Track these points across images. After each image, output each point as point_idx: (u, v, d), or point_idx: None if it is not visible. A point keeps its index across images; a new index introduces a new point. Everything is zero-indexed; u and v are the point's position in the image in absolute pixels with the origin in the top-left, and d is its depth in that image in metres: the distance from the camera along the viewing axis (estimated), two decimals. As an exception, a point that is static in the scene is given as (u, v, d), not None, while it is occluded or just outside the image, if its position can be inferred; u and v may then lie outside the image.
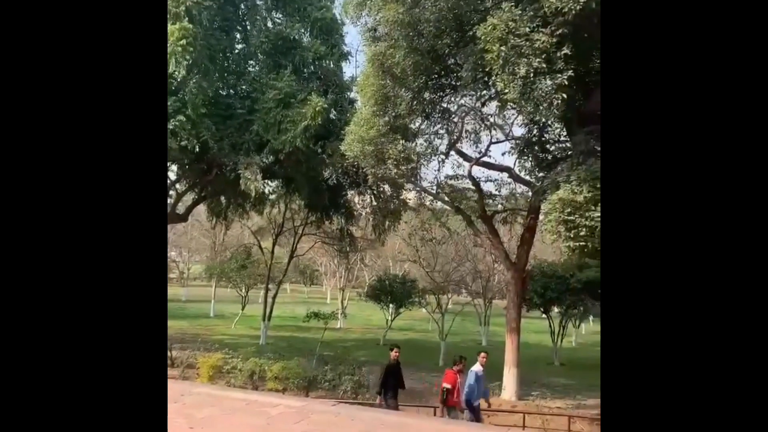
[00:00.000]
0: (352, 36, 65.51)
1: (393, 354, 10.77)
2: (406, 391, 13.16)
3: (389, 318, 27.74)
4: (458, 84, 13.42)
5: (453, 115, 15.25)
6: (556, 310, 23.49)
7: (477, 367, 10.08)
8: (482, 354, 10.39)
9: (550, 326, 23.75)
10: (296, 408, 7.30)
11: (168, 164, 17.93)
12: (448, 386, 9.88)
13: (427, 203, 18.22)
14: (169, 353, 15.01)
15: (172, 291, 54.80)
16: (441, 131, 15.39)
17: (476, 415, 9.96)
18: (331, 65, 16.81)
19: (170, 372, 14.21)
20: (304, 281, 55.22)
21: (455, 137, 15.53)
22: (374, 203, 19.29)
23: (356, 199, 20.61)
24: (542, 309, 22.76)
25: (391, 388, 10.42)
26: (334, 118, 16.24)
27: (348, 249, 25.08)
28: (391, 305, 27.05)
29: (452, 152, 15.84)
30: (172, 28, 12.46)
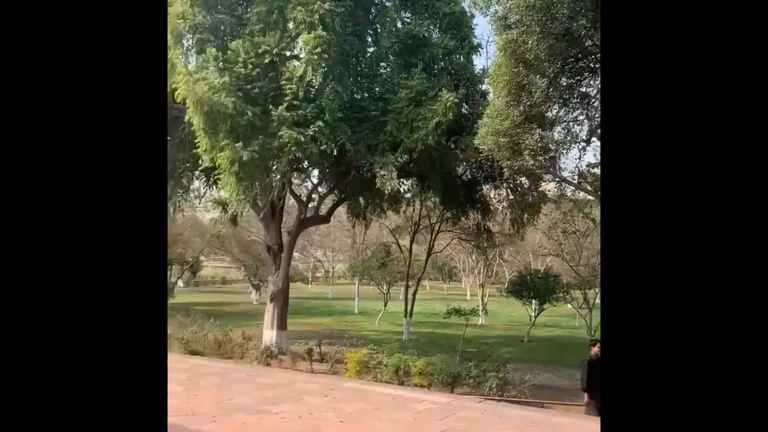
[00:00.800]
0: (482, 27, 64.59)
1: (595, 350, 10.05)
2: (553, 388, 12.67)
3: (532, 314, 26.94)
4: (597, 66, 12.67)
5: (593, 100, 14.40)
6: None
7: None
8: None
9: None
10: (442, 404, 7.29)
11: (309, 169, 18.83)
12: None
13: (569, 194, 17.37)
14: (317, 349, 15.73)
15: (319, 289, 57.72)
16: (580, 117, 14.60)
17: None
18: (461, 59, 16.63)
19: (319, 367, 14.88)
20: (443, 278, 55.45)
21: (596, 123, 14.68)
22: (511, 197, 18.80)
23: (492, 194, 20.21)
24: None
25: (597, 387, 9.78)
26: (466, 112, 16.06)
27: (486, 245, 24.72)
28: (533, 301, 26.27)
29: (594, 139, 14.98)
30: (307, 38, 13.03)
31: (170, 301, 34.18)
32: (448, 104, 13.65)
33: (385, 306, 32.39)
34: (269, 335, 17.63)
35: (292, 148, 13.10)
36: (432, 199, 21.63)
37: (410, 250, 27.36)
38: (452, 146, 15.36)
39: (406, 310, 25.60)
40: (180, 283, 48.43)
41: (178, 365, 9.59)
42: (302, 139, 13.08)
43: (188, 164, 17.95)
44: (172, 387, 7.99)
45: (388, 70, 16.18)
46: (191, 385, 8.07)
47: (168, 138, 17.97)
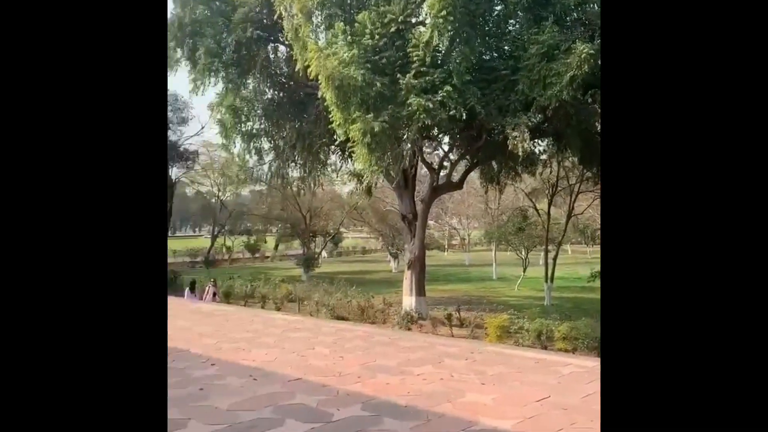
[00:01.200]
0: (618, -29, 59.27)
1: None
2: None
3: (686, 276, 25.02)
4: None
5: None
6: None
7: None
8: None
9: None
10: (588, 368, 7.03)
11: (439, 135, 18.75)
12: None
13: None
14: (457, 314, 15.85)
15: (456, 256, 57.90)
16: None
17: None
18: (595, 8, 15.50)
19: (459, 332, 15.00)
20: (585, 241, 53.01)
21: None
22: (658, 150, 17.42)
23: (637, 149, 18.87)
24: None
25: None
26: (603, 63, 15.04)
27: (631, 204, 23.24)
28: (687, 262, 24.36)
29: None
30: (432, 2, 12.83)
31: (316, 270, 36.17)
32: (582, 56, 12.84)
33: (524, 271, 31.77)
34: (408, 301, 18.04)
35: (421, 116, 13.09)
36: (570, 158, 20.66)
37: (548, 214, 26.45)
38: (589, 101, 14.52)
39: (546, 275, 24.92)
40: (324, 253, 50.94)
41: (325, 329, 10.11)
42: (431, 106, 13.01)
43: (324, 139, 18.62)
44: (320, 350, 8.47)
45: (517, 26, 15.52)
46: (337, 348, 8.48)
47: (304, 115, 18.78)
